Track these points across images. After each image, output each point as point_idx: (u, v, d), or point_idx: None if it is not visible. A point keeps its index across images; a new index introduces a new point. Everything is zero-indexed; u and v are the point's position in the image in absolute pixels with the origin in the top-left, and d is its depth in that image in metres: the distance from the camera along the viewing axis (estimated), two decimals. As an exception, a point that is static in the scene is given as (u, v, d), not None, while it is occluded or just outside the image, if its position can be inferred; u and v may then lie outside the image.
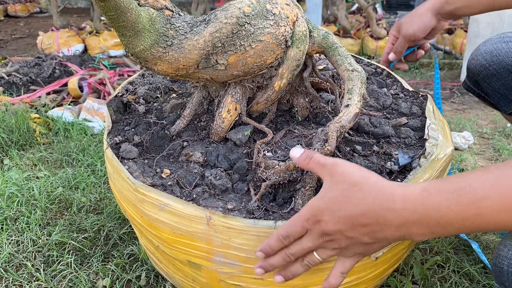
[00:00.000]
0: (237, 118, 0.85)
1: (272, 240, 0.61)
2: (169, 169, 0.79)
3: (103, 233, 1.16)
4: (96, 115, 2.00)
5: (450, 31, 3.70)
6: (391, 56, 1.03)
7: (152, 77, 1.10)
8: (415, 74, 3.05)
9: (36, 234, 1.16)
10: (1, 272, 1.03)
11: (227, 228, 0.67)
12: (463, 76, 2.82)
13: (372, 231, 0.54)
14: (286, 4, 0.80)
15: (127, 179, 0.76)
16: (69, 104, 2.20)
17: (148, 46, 0.73)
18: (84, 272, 1.03)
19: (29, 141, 1.77)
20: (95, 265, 1.04)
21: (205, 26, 0.74)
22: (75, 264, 1.05)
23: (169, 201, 0.71)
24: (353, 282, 0.76)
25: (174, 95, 1.00)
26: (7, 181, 1.39)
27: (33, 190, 1.34)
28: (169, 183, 0.75)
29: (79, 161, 1.59)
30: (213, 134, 0.85)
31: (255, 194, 0.72)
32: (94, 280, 1.01)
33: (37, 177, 1.47)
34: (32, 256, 1.09)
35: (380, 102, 0.96)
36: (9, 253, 1.09)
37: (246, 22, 0.74)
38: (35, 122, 1.88)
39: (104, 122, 1.95)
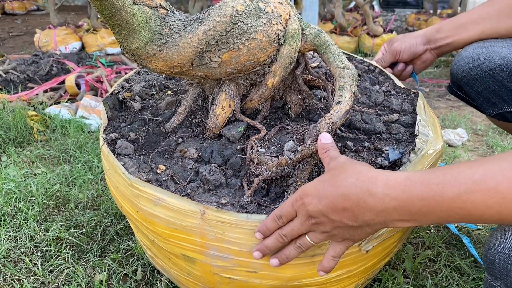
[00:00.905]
0: (231, 115, 0.86)
1: (268, 220, 0.65)
2: (164, 165, 0.80)
3: (100, 228, 1.18)
4: (93, 113, 2.01)
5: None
6: (377, 63, 1.13)
7: (148, 74, 1.11)
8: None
9: (34, 229, 1.17)
10: (0, 267, 1.04)
11: (221, 222, 0.69)
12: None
13: (354, 215, 0.57)
14: (279, 2, 0.81)
15: (122, 174, 0.77)
16: (66, 102, 2.21)
17: (143, 44, 0.74)
18: (81, 267, 1.04)
19: (26, 139, 1.78)
20: (92, 260, 1.06)
21: (199, 24, 0.76)
22: (72, 259, 1.06)
23: (164, 196, 0.72)
24: (344, 275, 0.77)
25: (169, 92, 1.02)
26: (5, 178, 1.40)
27: (30, 187, 1.35)
28: (164, 178, 0.76)
29: (76, 158, 1.60)
30: (207, 131, 0.86)
31: (248, 189, 0.74)
32: (91, 275, 1.02)
33: (35, 174, 1.49)
34: (30, 251, 1.10)
35: (372, 99, 0.98)
36: (7, 249, 1.10)
37: (239, 21, 0.76)
38: (32, 120, 1.89)
39: (101, 119, 1.97)
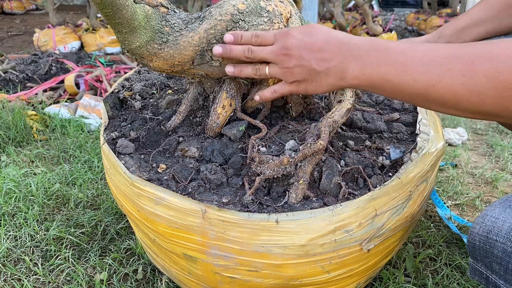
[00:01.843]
0: (232, 114, 0.86)
1: (246, 33, 0.73)
2: (165, 164, 0.80)
3: (100, 228, 1.17)
4: (93, 112, 2.01)
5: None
6: None
7: (148, 73, 1.11)
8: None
9: (34, 229, 1.17)
10: (0, 267, 1.04)
11: (222, 221, 0.68)
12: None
13: (323, 58, 0.65)
14: (280, 1, 0.81)
15: (123, 174, 0.77)
16: (65, 101, 2.21)
17: (144, 42, 0.74)
18: (82, 266, 1.04)
19: (26, 138, 1.78)
20: (93, 260, 1.06)
21: (200, 23, 0.76)
22: (72, 258, 1.06)
23: (165, 195, 0.72)
24: (346, 274, 0.77)
25: (169, 91, 1.01)
26: (4, 177, 1.40)
27: (30, 186, 1.35)
28: (165, 177, 0.76)
29: (76, 157, 1.60)
30: (208, 130, 0.86)
31: (250, 188, 0.73)
32: (92, 274, 1.02)
33: (35, 174, 1.48)
34: (30, 251, 1.10)
35: (373, 98, 0.98)
36: (7, 248, 1.10)
37: (240, 19, 0.75)
38: (32, 119, 1.89)
39: (101, 119, 1.97)
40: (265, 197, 0.74)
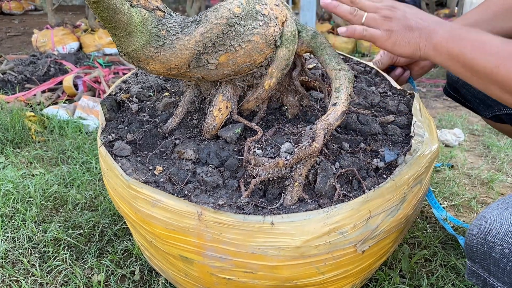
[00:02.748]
0: (228, 116, 0.87)
1: None
2: (162, 166, 0.81)
3: (98, 229, 1.18)
4: (91, 113, 2.01)
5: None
6: (374, 65, 1.16)
7: (145, 76, 1.11)
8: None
9: (32, 230, 1.17)
10: (-2, 268, 1.05)
11: (218, 223, 0.69)
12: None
13: (421, 18, 0.77)
14: (276, 4, 0.82)
15: (120, 176, 0.78)
16: (64, 102, 2.22)
17: (140, 46, 0.75)
18: (79, 268, 1.04)
19: (24, 139, 1.79)
20: (90, 261, 1.06)
21: (196, 26, 0.76)
22: (70, 260, 1.07)
23: (162, 198, 0.72)
24: (341, 275, 0.78)
25: (166, 93, 1.02)
26: (2, 178, 1.40)
27: (28, 188, 1.36)
28: (161, 180, 0.77)
29: (74, 158, 1.60)
30: (204, 132, 0.87)
31: (245, 190, 0.74)
32: (89, 276, 1.03)
33: (33, 175, 1.49)
34: (28, 252, 1.11)
35: (368, 100, 0.98)
36: (5, 250, 1.11)
37: (236, 23, 0.76)
38: (30, 120, 1.89)
39: (99, 120, 1.97)
40: (260, 199, 0.74)
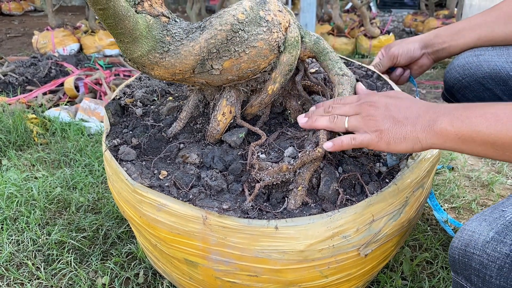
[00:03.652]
0: (231, 121, 0.87)
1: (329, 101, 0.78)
2: (166, 171, 0.81)
3: (101, 232, 1.19)
4: (93, 115, 2.02)
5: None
6: (375, 68, 1.14)
7: (149, 80, 1.12)
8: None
9: (36, 233, 1.18)
10: (2, 271, 1.05)
11: (223, 227, 0.70)
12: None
13: (411, 112, 0.67)
14: (279, 10, 0.83)
15: (125, 180, 0.79)
16: (65, 104, 2.22)
17: (146, 52, 0.76)
18: (84, 271, 1.05)
19: (26, 142, 1.79)
20: (94, 264, 1.07)
21: (201, 32, 0.77)
22: (74, 262, 1.08)
23: (167, 202, 0.73)
24: (344, 278, 0.79)
25: (170, 98, 1.03)
26: (6, 181, 1.41)
27: (32, 190, 1.36)
28: (166, 184, 0.78)
29: (76, 161, 1.61)
30: (208, 136, 0.88)
31: (250, 195, 0.75)
32: (94, 278, 1.04)
33: (36, 178, 1.49)
34: (32, 255, 1.11)
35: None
36: (10, 252, 1.11)
37: (240, 29, 0.77)
38: (32, 123, 1.90)
39: (101, 122, 1.98)
40: (264, 203, 0.75)
